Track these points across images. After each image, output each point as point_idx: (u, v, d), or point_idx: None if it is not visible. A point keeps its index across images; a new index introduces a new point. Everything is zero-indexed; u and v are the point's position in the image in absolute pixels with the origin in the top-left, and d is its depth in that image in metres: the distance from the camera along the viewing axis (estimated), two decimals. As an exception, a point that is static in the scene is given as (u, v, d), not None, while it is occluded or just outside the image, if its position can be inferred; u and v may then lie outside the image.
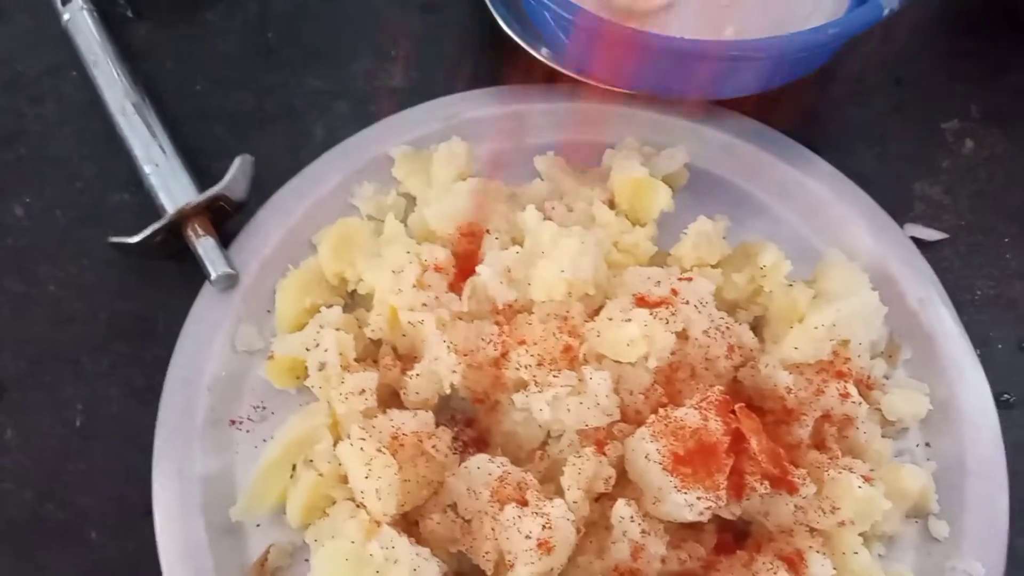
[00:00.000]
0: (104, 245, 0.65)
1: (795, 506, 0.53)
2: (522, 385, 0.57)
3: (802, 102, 0.75)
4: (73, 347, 0.65)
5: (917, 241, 0.68)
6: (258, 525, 0.58)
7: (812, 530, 0.54)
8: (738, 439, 0.53)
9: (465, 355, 0.57)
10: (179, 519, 0.57)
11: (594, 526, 0.54)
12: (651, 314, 0.55)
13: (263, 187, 0.68)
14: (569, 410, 0.54)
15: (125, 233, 0.65)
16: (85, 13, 0.74)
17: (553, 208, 0.65)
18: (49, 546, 0.59)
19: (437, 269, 0.60)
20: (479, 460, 0.54)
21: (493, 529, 0.52)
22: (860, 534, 0.54)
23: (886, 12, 0.62)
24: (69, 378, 0.64)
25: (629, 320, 0.55)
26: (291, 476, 0.56)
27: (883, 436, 0.59)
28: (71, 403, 0.63)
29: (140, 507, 0.59)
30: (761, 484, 0.52)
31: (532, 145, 0.71)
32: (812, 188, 0.69)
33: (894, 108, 0.76)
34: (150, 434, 0.60)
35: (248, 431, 0.61)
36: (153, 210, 0.66)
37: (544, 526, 0.50)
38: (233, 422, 0.61)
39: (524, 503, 0.52)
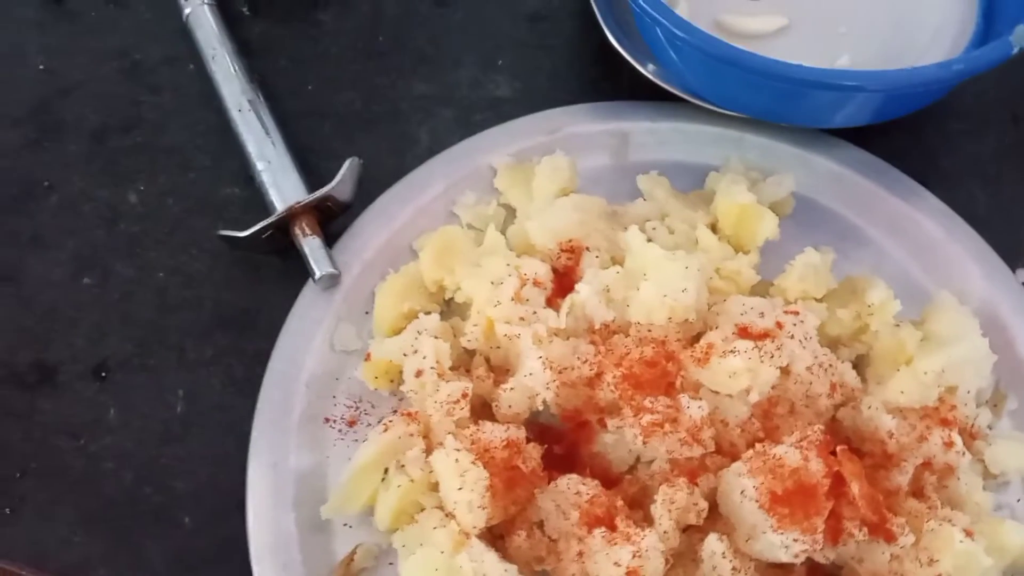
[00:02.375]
0: (212, 236, 0.67)
1: (891, 555, 0.52)
2: (615, 407, 0.56)
3: (915, 134, 0.73)
4: (178, 334, 0.67)
5: (1030, 288, 0.66)
6: (347, 525, 0.59)
7: (906, 580, 0.53)
8: (838, 482, 0.52)
9: (559, 372, 0.57)
10: (271, 512, 0.59)
11: (681, 557, 0.54)
12: (755, 347, 0.54)
13: (367, 189, 0.69)
14: (663, 438, 0.54)
15: (233, 225, 0.66)
16: (206, 8, 0.76)
17: (655, 229, 0.64)
18: (144, 528, 0.61)
19: (536, 283, 0.61)
20: (570, 479, 0.54)
21: (580, 552, 0.52)
22: (956, 589, 0.53)
23: (1015, 51, 0.60)
24: (172, 364, 0.66)
25: (733, 351, 0.54)
26: (382, 480, 0.57)
27: (984, 488, 0.58)
28: (173, 389, 0.66)
29: (234, 497, 0.60)
30: (859, 530, 0.51)
31: (635, 163, 0.70)
32: (923, 225, 0.67)
33: (1011, 146, 0.74)
34: (247, 425, 0.62)
35: (341, 431, 0.62)
36: (261, 205, 0.68)
37: (635, 554, 0.50)
38: (328, 420, 0.62)
39: (613, 528, 0.52)
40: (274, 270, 0.69)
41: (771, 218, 0.63)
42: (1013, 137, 0.74)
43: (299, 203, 0.65)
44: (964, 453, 0.56)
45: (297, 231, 0.65)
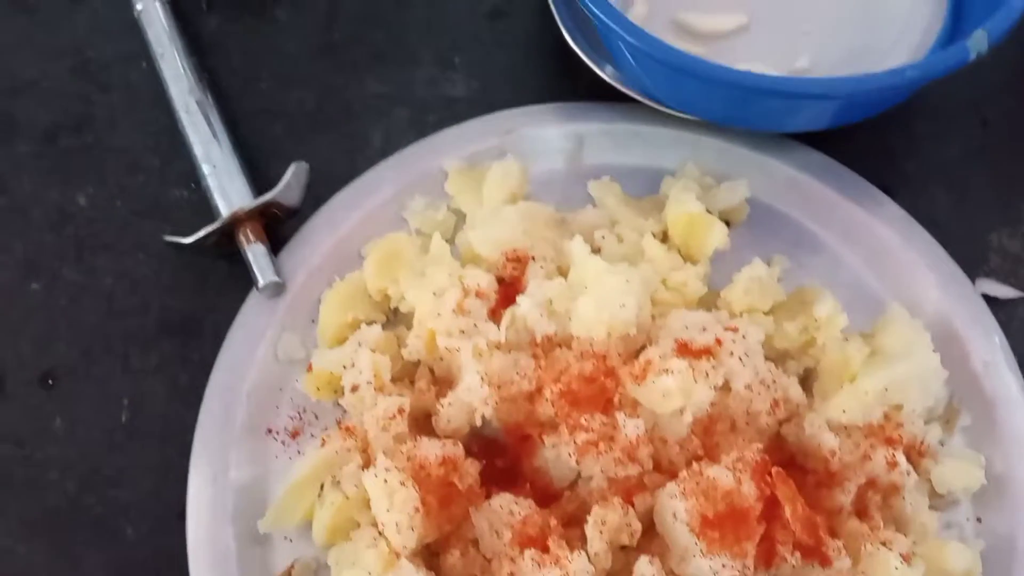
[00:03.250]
0: (160, 240, 0.66)
1: (827, 579, 0.51)
2: (554, 423, 0.56)
3: (879, 137, 0.71)
4: (123, 341, 0.67)
5: (988, 299, 0.64)
6: (287, 538, 0.59)
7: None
8: (772, 505, 0.51)
9: (499, 387, 0.56)
10: (210, 525, 0.58)
11: (616, 576, 0.53)
12: (690, 366, 0.53)
13: (317, 192, 0.68)
14: (598, 457, 0.53)
15: (182, 229, 0.66)
16: (158, 4, 0.74)
17: (603, 238, 0.63)
18: (85, 538, 0.61)
19: (479, 295, 0.59)
20: (503, 499, 0.54)
21: (511, 573, 0.51)
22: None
23: (972, 57, 0.58)
24: (117, 372, 0.66)
25: (667, 370, 0.53)
26: (319, 495, 0.56)
27: (931, 508, 0.57)
28: (118, 398, 0.65)
29: (176, 507, 0.60)
30: (793, 554, 0.50)
31: (589, 166, 0.69)
32: (879, 232, 0.65)
33: (977, 151, 0.72)
34: (191, 435, 0.61)
35: (284, 442, 0.61)
36: (210, 209, 0.67)
37: (562, 578, 0.50)
38: (271, 431, 0.62)
39: (546, 549, 0.51)
40: (222, 275, 0.68)
41: (720, 228, 0.61)
42: (981, 141, 0.72)
43: (243, 209, 0.64)
44: (909, 472, 0.55)
45: (241, 238, 0.64)
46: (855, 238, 0.66)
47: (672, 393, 0.53)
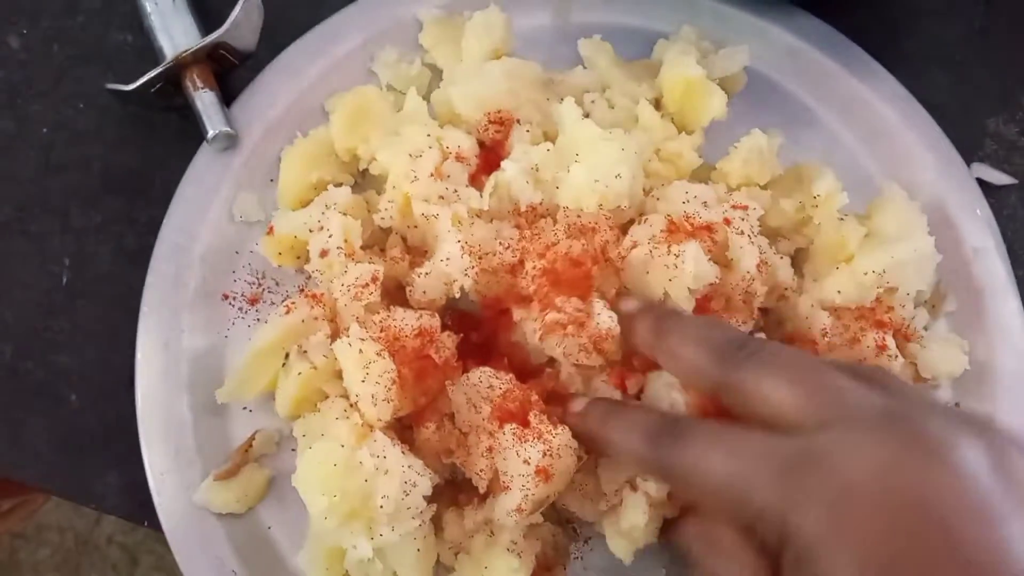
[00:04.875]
0: (102, 89, 0.60)
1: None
2: (531, 299, 0.52)
3: (879, 11, 0.67)
4: (63, 197, 0.61)
5: (982, 184, 0.62)
6: (246, 409, 0.55)
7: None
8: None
9: (480, 258, 0.52)
10: (162, 393, 0.54)
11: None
12: (700, 245, 0.50)
13: (275, 40, 0.61)
14: (562, 339, 0.50)
15: (126, 77, 0.59)
16: None
17: (593, 102, 0.59)
18: (25, 405, 0.57)
19: (459, 158, 0.55)
20: (482, 372, 0.51)
21: (490, 448, 0.49)
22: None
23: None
24: (57, 230, 0.60)
25: (672, 252, 0.50)
26: (283, 365, 0.53)
27: (912, 391, 0.56)
28: (58, 257, 0.60)
29: (124, 374, 0.56)
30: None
31: (578, 24, 0.64)
32: (878, 109, 0.62)
33: (979, 31, 0.68)
34: (139, 299, 0.56)
35: (242, 309, 0.57)
36: (155, 55, 0.60)
37: (545, 453, 0.47)
38: (226, 297, 0.57)
39: (526, 424, 0.49)
40: (171, 130, 0.62)
41: (720, 96, 0.57)
42: (983, 22, 0.69)
43: (188, 50, 0.57)
44: (896, 356, 0.54)
45: (188, 83, 0.58)
46: (853, 115, 0.62)
47: (679, 276, 0.49)
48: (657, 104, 0.59)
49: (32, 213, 0.61)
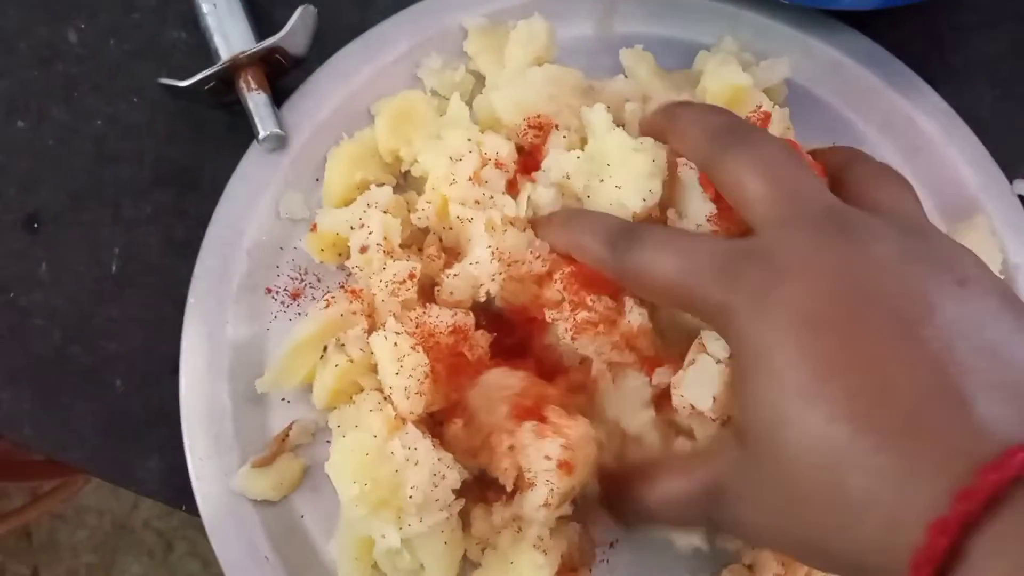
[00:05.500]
0: (155, 84, 0.62)
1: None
2: (559, 305, 0.53)
3: (924, 25, 0.67)
4: (114, 189, 0.63)
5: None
6: (285, 399, 0.57)
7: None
8: None
9: (508, 265, 0.53)
10: (205, 381, 0.56)
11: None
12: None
13: (324, 44, 0.63)
14: (594, 338, 0.51)
15: (179, 74, 0.61)
16: None
17: (632, 111, 0.59)
18: (73, 389, 0.59)
19: (498, 165, 0.56)
20: (497, 374, 0.52)
21: (512, 447, 0.50)
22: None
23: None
24: (108, 221, 0.62)
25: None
26: (321, 357, 0.54)
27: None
28: (108, 247, 0.62)
29: (168, 363, 0.58)
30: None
31: (620, 35, 0.64)
32: (920, 125, 0.62)
33: (1026, 47, 0.68)
34: (185, 289, 0.58)
35: (284, 303, 0.59)
36: (208, 53, 0.62)
37: (564, 447, 0.48)
38: (270, 291, 0.59)
39: (543, 420, 0.50)
40: (221, 126, 0.64)
41: (767, 103, 0.57)
42: (1032, 36, 0.69)
43: (244, 52, 0.59)
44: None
45: (242, 84, 0.60)
46: (894, 129, 0.62)
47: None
48: (696, 113, 0.60)
49: (85, 204, 0.63)
